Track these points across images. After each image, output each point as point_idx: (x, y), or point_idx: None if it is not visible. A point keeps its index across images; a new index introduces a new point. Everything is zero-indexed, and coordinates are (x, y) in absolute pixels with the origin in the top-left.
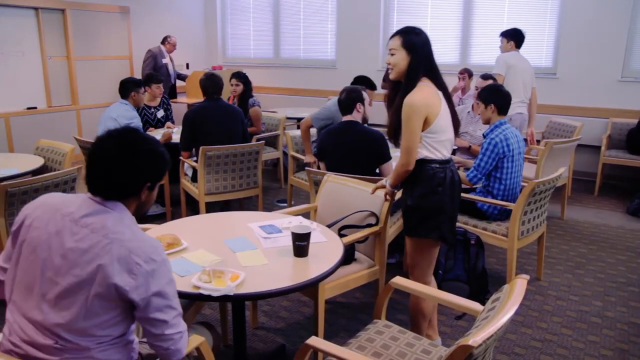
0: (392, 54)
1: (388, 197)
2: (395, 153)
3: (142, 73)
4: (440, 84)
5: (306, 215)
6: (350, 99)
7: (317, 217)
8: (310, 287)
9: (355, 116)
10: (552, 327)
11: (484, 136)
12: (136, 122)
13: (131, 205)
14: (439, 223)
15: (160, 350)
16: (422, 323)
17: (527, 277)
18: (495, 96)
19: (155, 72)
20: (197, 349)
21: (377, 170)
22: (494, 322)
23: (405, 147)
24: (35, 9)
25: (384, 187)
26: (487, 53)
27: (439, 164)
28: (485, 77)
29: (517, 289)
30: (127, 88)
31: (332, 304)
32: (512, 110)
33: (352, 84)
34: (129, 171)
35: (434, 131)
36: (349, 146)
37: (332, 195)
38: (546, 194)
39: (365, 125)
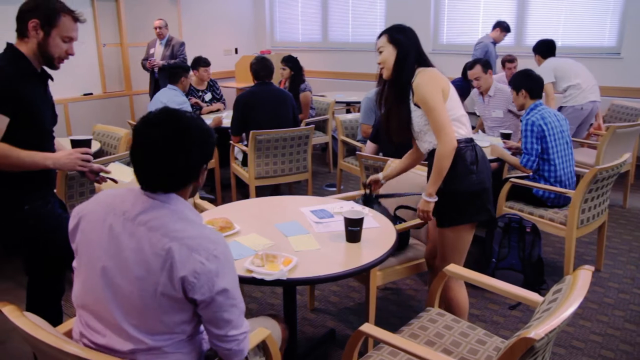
0: (381, 52)
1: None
2: None
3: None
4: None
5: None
6: None
7: None
8: (362, 273)
9: None
10: (614, 321)
11: (522, 120)
12: (186, 107)
13: (186, 192)
14: (485, 202)
15: (223, 351)
16: (459, 316)
17: (592, 268)
18: (524, 81)
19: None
20: (263, 342)
21: None
22: (556, 315)
23: (437, 124)
24: None
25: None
26: (543, 34)
27: (465, 142)
28: (470, 66)
29: (580, 280)
30: (177, 73)
31: (382, 289)
32: (583, 99)
33: None
34: (185, 159)
35: (451, 106)
36: None
37: (395, 181)
38: (609, 181)
39: None
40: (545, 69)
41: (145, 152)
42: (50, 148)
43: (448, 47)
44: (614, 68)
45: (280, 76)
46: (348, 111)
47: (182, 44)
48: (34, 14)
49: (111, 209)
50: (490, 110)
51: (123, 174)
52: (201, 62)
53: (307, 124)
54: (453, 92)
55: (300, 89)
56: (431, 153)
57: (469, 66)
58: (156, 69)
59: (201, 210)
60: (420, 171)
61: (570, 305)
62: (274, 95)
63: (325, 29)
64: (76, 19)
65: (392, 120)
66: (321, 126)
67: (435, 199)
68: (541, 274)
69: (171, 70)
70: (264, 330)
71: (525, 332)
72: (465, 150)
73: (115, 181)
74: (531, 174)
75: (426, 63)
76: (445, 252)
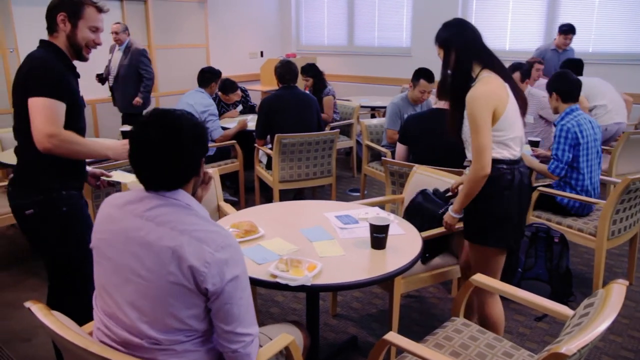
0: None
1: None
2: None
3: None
4: (504, 75)
5: (382, 206)
6: None
7: (404, 209)
8: (386, 281)
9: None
10: None
11: (555, 125)
12: (212, 109)
13: (190, 186)
14: (504, 232)
15: (228, 352)
16: (492, 331)
17: (626, 282)
18: (556, 84)
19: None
20: (287, 348)
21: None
22: (589, 330)
23: (477, 147)
24: (121, 0)
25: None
26: (575, 39)
27: (507, 164)
28: (513, 67)
29: (614, 294)
30: (208, 78)
31: (405, 297)
32: (609, 120)
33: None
34: (183, 157)
35: (502, 127)
36: (437, 132)
37: (423, 187)
38: None
39: None
40: None
41: (143, 153)
42: None
43: None
44: None
45: (303, 86)
46: (373, 116)
47: (143, 52)
48: (61, 8)
49: (119, 207)
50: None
51: (125, 178)
52: (232, 88)
53: (332, 128)
54: (511, 111)
55: (324, 93)
56: (470, 163)
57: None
58: (111, 78)
59: (225, 213)
60: (449, 174)
61: (604, 320)
62: (299, 99)
63: (351, 33)
64: (100, 9)
65: (449, 117)
66: (345, 130)
67: (460, 215)
68: (569, 285)
69: (203, 74)
70: (288, 336)
71: (556, 347)
72: (503, 172)
73: (114, 185)
74: (556, 180)
75: (487, 62)
76: (476, 268)
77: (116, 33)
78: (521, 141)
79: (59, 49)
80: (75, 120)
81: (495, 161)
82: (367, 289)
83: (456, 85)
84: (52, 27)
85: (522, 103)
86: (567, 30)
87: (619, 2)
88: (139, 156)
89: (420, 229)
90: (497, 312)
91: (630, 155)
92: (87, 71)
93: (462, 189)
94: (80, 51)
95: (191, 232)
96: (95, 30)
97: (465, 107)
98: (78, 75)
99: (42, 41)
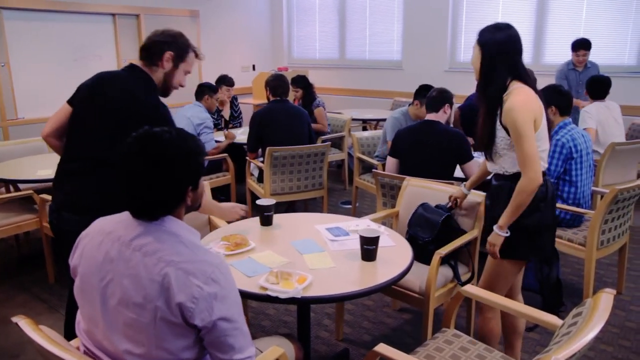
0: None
1: (457, 203)
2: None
3: None
4: (535, 88)
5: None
6: (441, 97)
7: (399, 223)
8: (377, 292)
9: (440, 116)
10: (637, 346)
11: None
12: (208, 122)
13: (180, 212)
14: (544, 242)
15: None
16: (494, 346)
17: (613, 291)
18: (554, 97)
19: None
20: None
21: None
22: (577, 339)
23: (524, 157)
24: (113, 15)
25: (462, 196)
26: (562, 53)
27: (543, 176)
28: None
29: (602, 303)
30: (202, 91)
31: (397, 310)
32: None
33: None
34: (165, 185)
35: (538, 139)
36: (427, 144)
37: (416, 199)
38: (630, 202)
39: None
40: (587, 114)
41: (128, 183)
42: None
43: (465, 65)
44: (634, 87)
45: (293, 97)
46: (364, 128)
47: None
48: (170, 47)
49: (106, 233)
50: None
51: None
52: (224, 81)
53: (324, 141)
54: (544, 122)
55: (314, 105)
56: (497, 176)
57: None
58: None
59: (216, 226)
60: (441, 185)
61: (591, 329)
62: (290, 112)
63: (343, 46)
64: (197, 55)
65: (478, 128)
66: (337, 143)
67: (507, 233)
68: (560, 295)
69: (198, 88)
70: (278, 348)
71: (545, 357)
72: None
73: None
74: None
75: (521, 77)
76: (489, 279)
77: None
78: (547, 154)
79: (151, 80)
80: None
81: None
82: (359, 302)
83: (491, 94)
84: (153, 60)
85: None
86: (575, 46)
87: (606, 15)
88: (124, 185)
89: (430, 239)
90: (498, 328)
91: (616, 165)
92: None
93: (510, 202)
94: (169, 90)
95: (178, 264)
96: (187, 73)
97: (504, 117)
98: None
99: (134, 67)
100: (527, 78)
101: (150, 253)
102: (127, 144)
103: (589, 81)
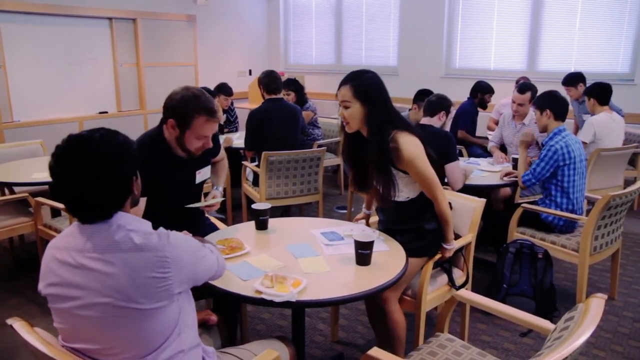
0: (346, 107)
1: None
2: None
3: None
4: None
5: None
6: (439, 104)
7: None
8: (371, 297)
9: (434, 122)
10: (630, 351)
11: (542, 144)
12: None
13: (127, 205)
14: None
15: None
16: (398, 348)
17: (605, 296)
18: (550, 102)
19: None
20: None
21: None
22: (568, 344)
23: (433, 185)
24: (110, 19)
25: (367, 217)
26: (557, 59)
27: None
28: (522, 89)
29: (593, 308)
30: None
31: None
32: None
33: None
34: (111, 184)
35: None
36: None
37: None
38: (622, 208)
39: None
40: (590, 126)
41: (66, 191)
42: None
43: (460, 71)
44: (627, 94)
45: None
46: None
47: None
48: (171, 114)
49: (62, 247)
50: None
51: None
52: (222, 90)
53: (319, 146)
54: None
55: (304, 108)
56: (397, 203)
57: (519, 89)
58: None
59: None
60: None
61: (582, 334)
62: (285, 110)
63: (339, 52)
64: (211, 118)
65: (380, 187)
66: (332, 148)
67: (455, 244)
68: (553, 301)
69: None
70: (272, 351)
71: None
72: None
73: None
74: (542, 197)
75: (397, 124)
76: (407, 279)
77: None
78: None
79: (162, 139)
80: (152, 196)
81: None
82: (354, 306)
83: (381, 150)
84: (164, 122)
85: None
86: (565, 80)
87: (599, 23)
88: (63, 193)
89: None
90: (402, 321)
91: (602, 171)
92: (77, 90)
93: (443, 224)
94: (189, 153)
95: (131, 248)
96: (203, 137)
97: (398, 161)
98: (193, 164)
99: (160, 122)
100: (401, 121)
101: (104, 249)
102: (55, 153)
103: (593, 87)
